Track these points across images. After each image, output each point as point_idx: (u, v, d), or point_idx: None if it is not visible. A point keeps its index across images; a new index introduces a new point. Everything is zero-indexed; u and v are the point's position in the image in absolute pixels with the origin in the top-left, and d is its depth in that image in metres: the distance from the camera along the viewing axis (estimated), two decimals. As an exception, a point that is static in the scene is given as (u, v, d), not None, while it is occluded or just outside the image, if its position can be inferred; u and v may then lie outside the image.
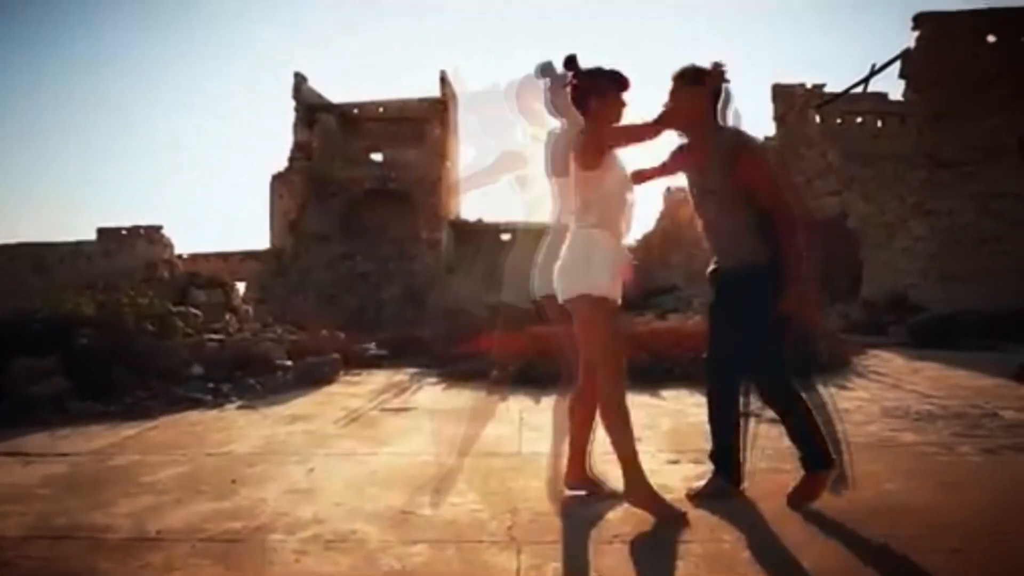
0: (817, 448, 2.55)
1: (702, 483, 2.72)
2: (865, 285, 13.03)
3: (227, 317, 7.04)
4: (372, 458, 3.53)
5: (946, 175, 11.41)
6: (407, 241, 20.12)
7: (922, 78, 11.89)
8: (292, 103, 21.85)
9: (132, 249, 7.09)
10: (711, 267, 2.75)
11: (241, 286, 24.07)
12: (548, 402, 4.43)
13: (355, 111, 23.48)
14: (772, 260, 2.49)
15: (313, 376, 5.97)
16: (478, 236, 22.54)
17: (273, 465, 3.41)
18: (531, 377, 5.42)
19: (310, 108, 21.86)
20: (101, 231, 22.93)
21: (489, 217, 23.06)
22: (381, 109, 23.53)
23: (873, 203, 12.98)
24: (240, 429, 4.32)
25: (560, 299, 2.55)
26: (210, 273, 8.24)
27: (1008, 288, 10.53)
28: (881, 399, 4.85)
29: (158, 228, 23.17)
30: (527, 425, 4.25)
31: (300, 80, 22.54)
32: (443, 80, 22.87)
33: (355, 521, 2.53)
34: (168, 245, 22.71)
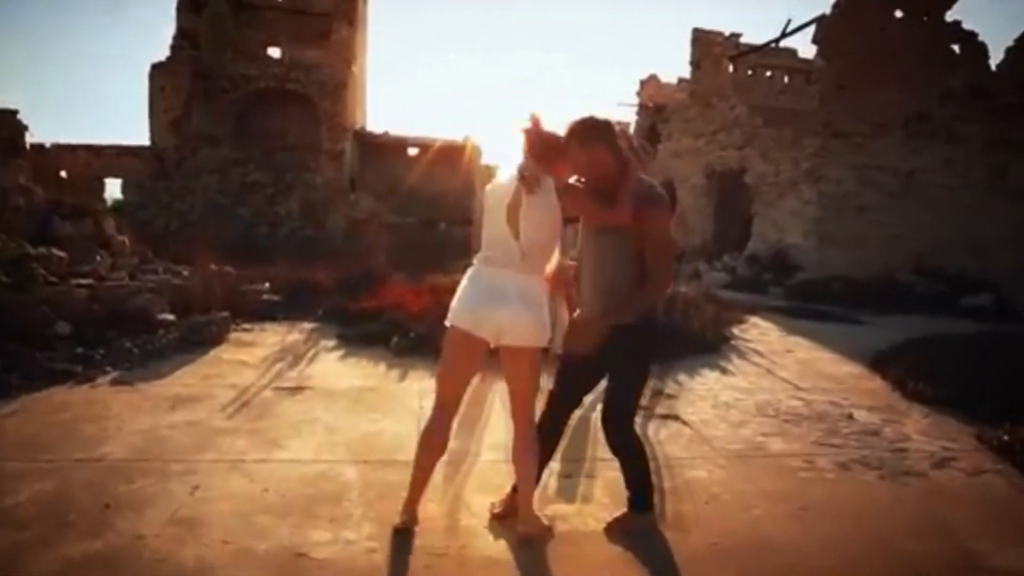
0: (644, 493, 2.84)
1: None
2: (752, 241, 13.81)
3: (97, 257, 6.32)
4: (263, 468, 3.41)
5: (838, 144, 12.02)
6: (307, 151, 18.80)
7: (832, 46, 12.17)
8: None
9: None
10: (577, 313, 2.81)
11: (116, 184, 21.86)
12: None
13: (250, -4, 20.86)
14: (642, 320, 2.63)
15: (198, 337, 5.59)
16: (384, 150, 21.49)
17: (153, 480, 3.21)
18: (435, 347, 5.37)
19: (196, -13, 19.19)
20: (-63, 110, 19.67)
21: (396, 130, 21.98)
22: (280, -3, 21.08)
23: (770, 162, 13.54)
24: (115, 418, 4.01)
25: (512, 340, 2.54)
26: (77, 200, 7.28)
27: (877, 257, 11.55)
28: (756, 390, 5.24)
29: (13, 112, 20.17)
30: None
31: (184, -50, 19.53)
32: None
33: (244, 568, 2.45)
34: (21, 132, 19.87)
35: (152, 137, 18.92)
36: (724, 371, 5.80)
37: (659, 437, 4.11)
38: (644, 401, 4.78)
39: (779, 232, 13.01)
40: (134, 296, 5.85)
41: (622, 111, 22.19)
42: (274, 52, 20.83)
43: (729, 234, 15.37)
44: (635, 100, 23.44)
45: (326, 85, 18.59)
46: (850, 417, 4.69)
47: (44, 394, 4.35)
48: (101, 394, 4.45)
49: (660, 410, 4.62)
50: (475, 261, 2.65)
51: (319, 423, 4.11)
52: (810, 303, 10.21)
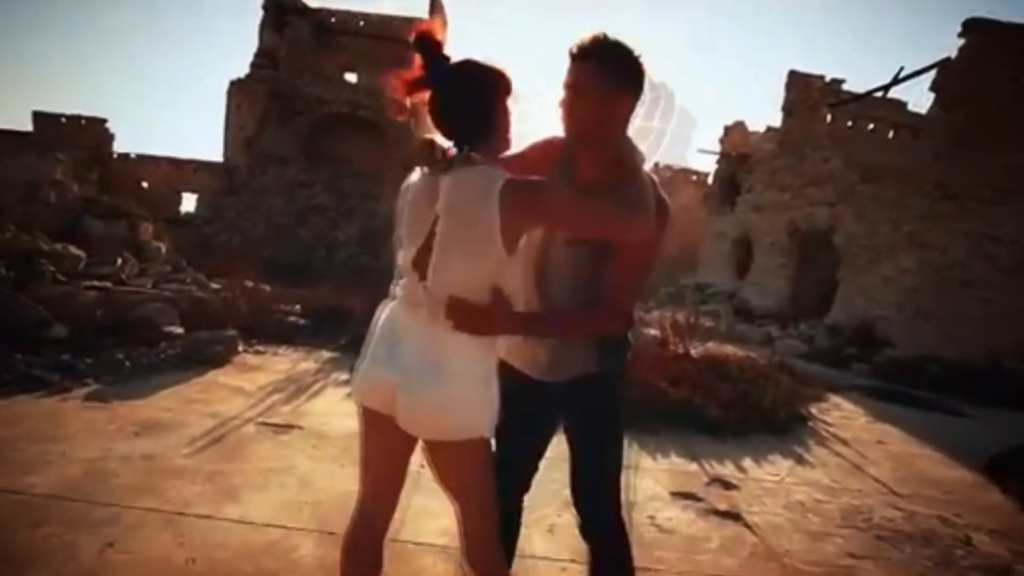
0: None
1: None
2: (835, 308, 12.48)
3: (119, 260, 5.99)
4: (202, 528, 2.72)
5: (949, 207, 10.57)
6: (371, 178, 18.78)
7: (953, 95, 10.83)
8: (261, -1, 19.70)
9: (15, 160, 6.03)
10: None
11: (192, 198, 22.58)
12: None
13: (332, 20, 21.39)
14: (610, 366, 1.82)
15: (200, 356, 5.06)
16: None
17: (65, 527, 2.57)
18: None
19: (280, 8, 19.75)
20: (37, 115, 21.00)
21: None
22: (361, 23, 21.50)
23: (865, 223, 12.21)
24: (66, 440, 3.44)
25: (412, 428, 1.62)
26: (112, 200, 7.12)
27: (979, 338, 10.06)
28: (841, 490, 4.21)
29: (102, 121, 21.32)
30: (423, 478, 3.48)
31: (272, -30, 20.23)
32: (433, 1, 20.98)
33: None
34: (107, 141, 20.93)
35: (225, 154, 19.41)
36: (800, 460, 4.76)
37: (711, 543, 3.18)
38: (697, 489, 3.90)
39: (867, 301, 11.66)
40: (143, 304, 5.42)
41: (702, 158, 21.30)
42: (351, 77, 21.21)
43: (807, 299, 14.04)
44: (717, 147, 22.48)
45: (398, 115, 18.59)
46: (967, 542, 3.61)
47: (4, 403, 3.86)
48: (67, 409, 3.92)
49: (716, 502, 3.68)
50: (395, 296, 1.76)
51: (294, 473, 3.41)
52: (899, 384, 8.89)
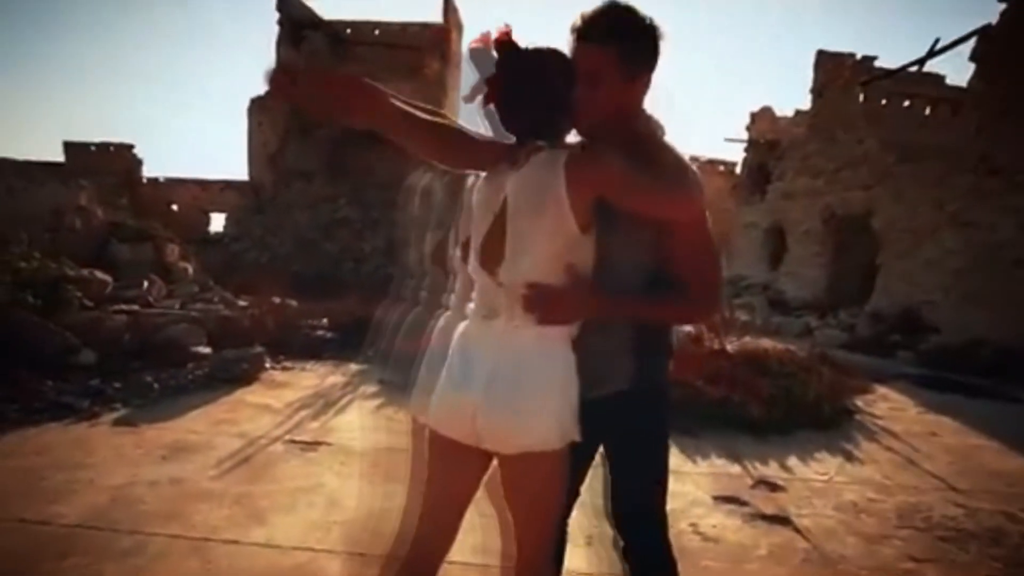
0: None
1: None
2: (876, 296, 12.02)
3: (145, 283, 6.03)
4: (229, 553, 2.65)
5: (995, 184, 9.96)
6: (395, 188, 18.83)
7: (996, 64, 10.18)
8: (276, 15, 19.90)
9: (40, 188, 6.15)
10: None
11: (220, 217, 22.95)
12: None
13: (347, 31, 21.55)
14: (645, 383, 1.61)
15: (227, 374, 5.04)
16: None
17: (91, 558, 2.53)
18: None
19: (296, 23, 19.94)
20: (68, 145, 21.61)
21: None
22: (376, 32, 21.62)
23: (904, 204, 11.68)
24: (94, 467, 3.42)
25: (493, 445, 1.51)
26: (140, 224, 7.22)
27: (1031, 320, 9.56)
28: (896, 488, 3.97)
29: (129, 147, 21.85)
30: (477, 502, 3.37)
31: (286, -14, 20.46)
32: (447, 4, 20.96)
33: None
34: (136, 166, 21.42)
35: (250, 172, 19.67)
36: (849, 457, 4.52)
37: (760, 550, 3.00)
38: (741, 492, 3.71)
39: (910, 286, 11.18)
40: (170, 326, 5.43)
41: (729, 148, 20.92)
42: (370, 89, 21.27)
43: (846, 287, 13.57)
44: (744, 135, 21.99)
45: (417, 123, 18.59)
46: (1040, 540, 3.35)
47: (35, 431, 3.86)
48: (96, 435, 3.91)
49: (762, 505, 3.49)
50: (452, 307, 1.67)
51: (322, 492, 3.33)
52: (949, 372, 8.50)
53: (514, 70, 1.42)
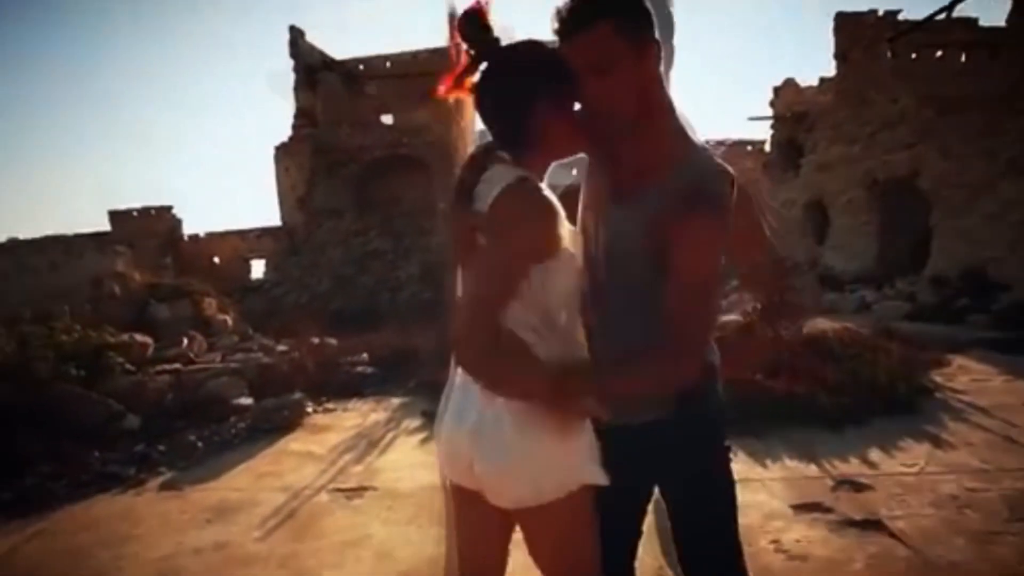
0: None
1: None
2: (934, 259, 11.34)
3: (184, 340, 6.06)
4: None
5: None
6: (422, 214, 18.88)
7: None
8: (291, 63, 20.33)
9: (80, 259, 6.35)
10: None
11: (260, 264, 23.43)
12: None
13: (360, 67, 21.89)
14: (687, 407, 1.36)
15: (269, 424, 4.95)
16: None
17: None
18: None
19: (310, 68, 20.35)
20: (112, 213, 22.47)
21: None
22: (388, 64, 21.89)
23: (953, 160, 11.02)
24: (139, 540, 3.32)
25: (494, 500, 1.31)
26: (176, 282, 7.31)
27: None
28: (998, 473, 3.56)
29: (168, 208, 22.56)
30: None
31: (296, 35, 20.76)
32: (452, 25, 20.96)
33: None
34: (176, 226, 22.09)
35: (282, 216, 20.02)
36: (937, 442, 4.12)
37: (855, 564, 2.68)
38: (823, 497, 3.37)
39: (971, 245, 10.49)
40: (210, 380, 5.39)
41: (754, 127, 20.29)
42: (386, 119, 21.54)
43: (899, 255, 12.85)
44: (769, 112, 21.30)
45: (434, 145, 18.67)
46: None
47: (82, 505, 3.80)
48: (142, 504, 3.83)
49: (848, 510, 3.15)
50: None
51: (371, 542, 3.15)
52: (1031, 330, 7.85)
53: (487, 66, 1.26)
